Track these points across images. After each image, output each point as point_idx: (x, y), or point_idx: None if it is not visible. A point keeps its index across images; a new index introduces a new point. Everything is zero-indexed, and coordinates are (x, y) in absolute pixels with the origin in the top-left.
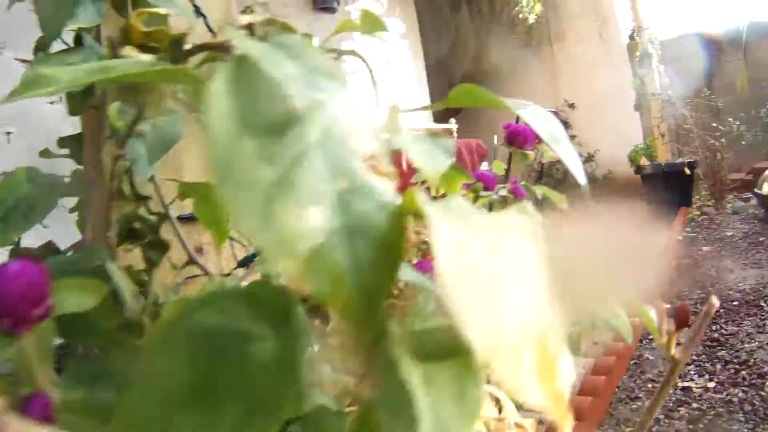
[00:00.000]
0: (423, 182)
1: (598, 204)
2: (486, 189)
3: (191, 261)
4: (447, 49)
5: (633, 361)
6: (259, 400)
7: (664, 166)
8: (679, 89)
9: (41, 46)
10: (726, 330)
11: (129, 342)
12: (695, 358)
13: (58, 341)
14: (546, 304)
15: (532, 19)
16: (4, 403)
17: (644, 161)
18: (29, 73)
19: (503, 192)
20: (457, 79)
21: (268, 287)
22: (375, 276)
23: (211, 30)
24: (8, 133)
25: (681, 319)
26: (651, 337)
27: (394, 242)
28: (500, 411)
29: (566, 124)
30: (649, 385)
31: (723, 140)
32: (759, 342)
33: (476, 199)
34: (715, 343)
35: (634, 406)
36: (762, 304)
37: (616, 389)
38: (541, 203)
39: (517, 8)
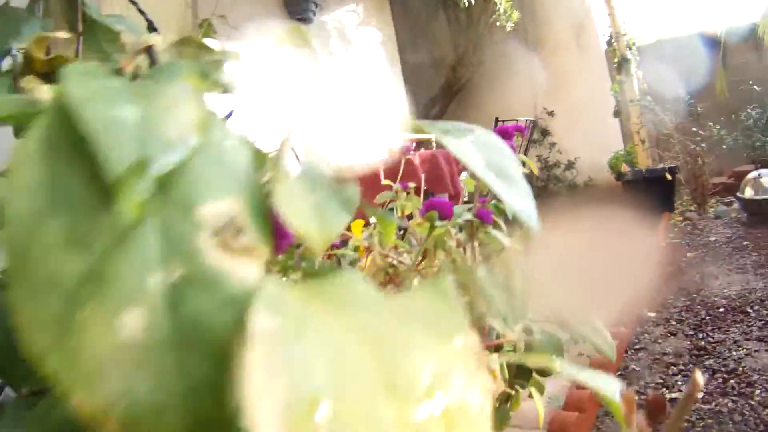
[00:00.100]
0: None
1: (580, 213)
2: (442, 217)
3: None
4: (425, 58)
5: (619, 373)
6: None
7: (645, 172)
8: (658, 95)
9: None
10: (713, 338)
11: None
12: (682, 368)
13: None
14: None
15: (509, 26)
16: None
17: (625, 168)
18: None
19: (467, 216)
20: (435, 87)
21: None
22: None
23: None
24: None
25: (654, 412)
26: (636, 347)
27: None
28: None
29: (545, 132)
30: (636, 397)
31: (704, 145)
32: (747, 349)
33: (431, 230)
34: (702, 352)
35: None
36: (748, 310)
37: (602, 403)
38: (512, 223)
39: (494, 16)
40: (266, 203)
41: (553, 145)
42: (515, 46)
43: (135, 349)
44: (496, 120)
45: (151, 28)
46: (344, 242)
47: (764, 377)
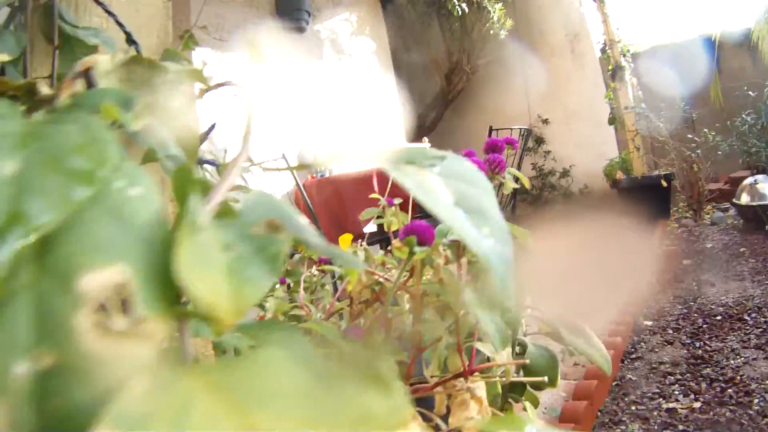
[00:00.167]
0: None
1: (575, 221)
2: (422, 242)
3: None
4: (419, 67)
5: (615, 383)
6: None
7: (641, 179)
8: (652, 101)
9: None
10: (710, 346)
11: None
12: (679, 377)
13: None
14: None
15: (503, 34)
16: None
17: (620, 175)
18: None
19: (453, 236)
20: (429, 96)
21: None
22: None
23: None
24: None
25: None
26: (633, 356)
27: None
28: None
29: (540, 140)
30: (633, 408)
31: (699, 151)
32: (744, 358)
33: (410, 255)
34: (699, 361)
35: (617, 431)
36: (746, 317)
37: (599, 413)
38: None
39: (488, 24)
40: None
41: (548, 152)
42: (509, 54)
43: None
44: (491, 129)
45: (130, 40)
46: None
47: (762, 386)
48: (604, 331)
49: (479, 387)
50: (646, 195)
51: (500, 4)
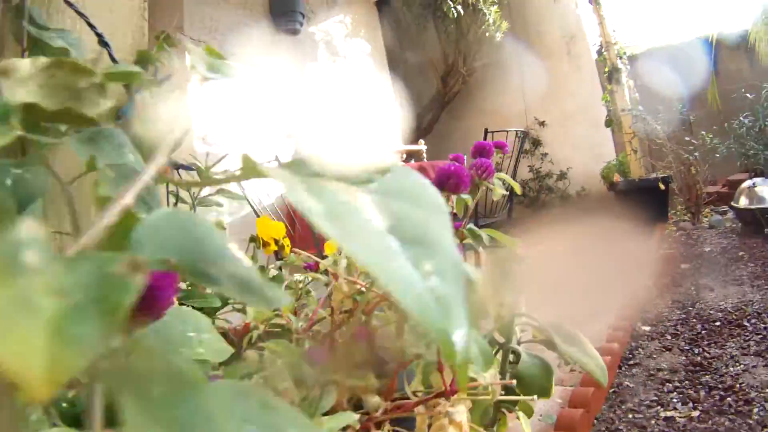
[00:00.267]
0: None
1: (572, 223)
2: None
3: None
4: (415, 69)
5: (612, 390)
6: None
7: (638, 181)
8: (649, 104)
9: None
10: (709, 353)
11: None
12: (677, 384)
13: None
14: None
15: (499, 36)
16: None
17: (617, 177)
18: None
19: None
20: (425, 98)
21: None
22: None
23: (114, 59)
24: None
25: None
26: (630, 362)
27: None
28: None
29: (537, 142)
30: (630, 416)
31: (696, 154)
32: (744, 365)
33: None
34: (698, 368)
35: None
36: (745, 323)
37: (595, 421)
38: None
39: (484, 26)
40: None
41: (545, 155)
42: (506, 56)
43: None
44: (486, 131)
45: (101, 42)
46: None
47: (762, 395)
48: (601, 337)
49: (459, 411)
50: (644, 198)
51: (496, 6)
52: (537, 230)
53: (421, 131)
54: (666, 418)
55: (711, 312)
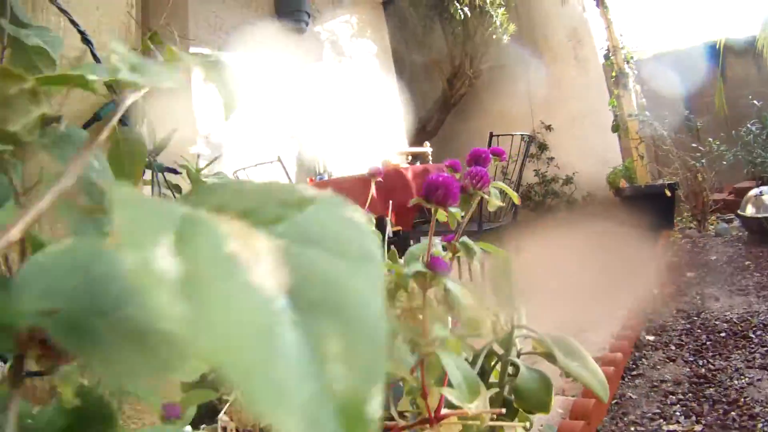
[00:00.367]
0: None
1: (578, 229)
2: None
3: None
4: (421, 70)
5: (615, 401)
6: None
7: (644, 188)
8: (656, 109)
9: None
10: (713, 365)
11: None
12: (681, 397)
13: None
14: None
15: (506, 39)
16: None
17: (623, 183)
18: None
19: (417, 267)
20: (431, 100)
21: None
22: None
23: (97, 58)
24: None
25: None
26: (633, 373)
27: None
28: None
29: (543, 146)
30: (632, 429)
31: (703, 161)
32: (749, 378)
33: None
34: (702, 380)
35: None
36: (751, 335)
37: None
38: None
39: (491, 29)
40: None
41: (551, 159)
42: (512, 59)
43: None
44: (491, 135)
45: (84, 40)
46: None
47: (767, 410)
48: (605, 346)
49: None
50: (650, 204)
51: (503, 9)
52: (542, 235)
53: (426, 133)
54: None
55: (716, 322)
